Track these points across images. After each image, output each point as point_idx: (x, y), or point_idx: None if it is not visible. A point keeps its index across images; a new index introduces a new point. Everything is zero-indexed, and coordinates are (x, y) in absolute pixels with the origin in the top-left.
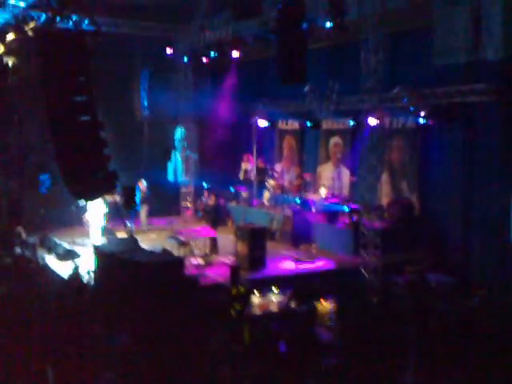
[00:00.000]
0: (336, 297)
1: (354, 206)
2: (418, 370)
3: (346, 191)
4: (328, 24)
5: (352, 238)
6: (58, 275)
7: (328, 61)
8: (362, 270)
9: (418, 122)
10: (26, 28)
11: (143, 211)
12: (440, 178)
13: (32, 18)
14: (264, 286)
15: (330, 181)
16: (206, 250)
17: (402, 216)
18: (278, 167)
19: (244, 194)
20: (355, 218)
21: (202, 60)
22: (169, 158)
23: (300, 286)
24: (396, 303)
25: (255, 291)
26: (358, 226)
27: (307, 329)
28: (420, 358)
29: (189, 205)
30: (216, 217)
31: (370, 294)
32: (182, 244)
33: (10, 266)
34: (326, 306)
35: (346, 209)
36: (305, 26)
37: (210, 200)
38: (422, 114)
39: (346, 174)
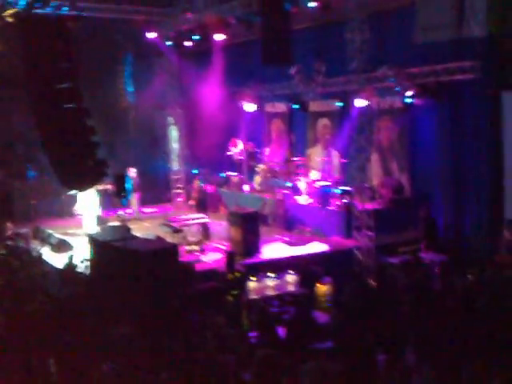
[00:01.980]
0: (332, 279)
1: (345, 187)
2: (417, 350)
3: (336, 173)
4: (312, 4)
5: (344, 220)
6: (53, 266)
7: (314, 42)
8: (356, 252)
9: (405, 102)
10: (6, 14)
11: (134, 199)
12: (429, 157)
13: (11, 4)
14: (259, 271)
15: (320, 163)
16: (199, 236)
17: (393, 196)
18: (267, 151)
19: (235, 178)
20: (347, 199)
21: (185, 44)
22: (157, 145)
23: (301, 270)
24: (391, 284)
25: (251, 276)
26: (350, 208)
27: (306, 312)
28: (418, 339)
29: (180, 192)
30: (203, 202)
31: (366, 276)
32: (175, 231)
33: (5, 258)
34: (322, 288)
35: (337, 191)
36: (288, 6)
37: (196, 186)
38: (409, 93)
39: (335, 155)
